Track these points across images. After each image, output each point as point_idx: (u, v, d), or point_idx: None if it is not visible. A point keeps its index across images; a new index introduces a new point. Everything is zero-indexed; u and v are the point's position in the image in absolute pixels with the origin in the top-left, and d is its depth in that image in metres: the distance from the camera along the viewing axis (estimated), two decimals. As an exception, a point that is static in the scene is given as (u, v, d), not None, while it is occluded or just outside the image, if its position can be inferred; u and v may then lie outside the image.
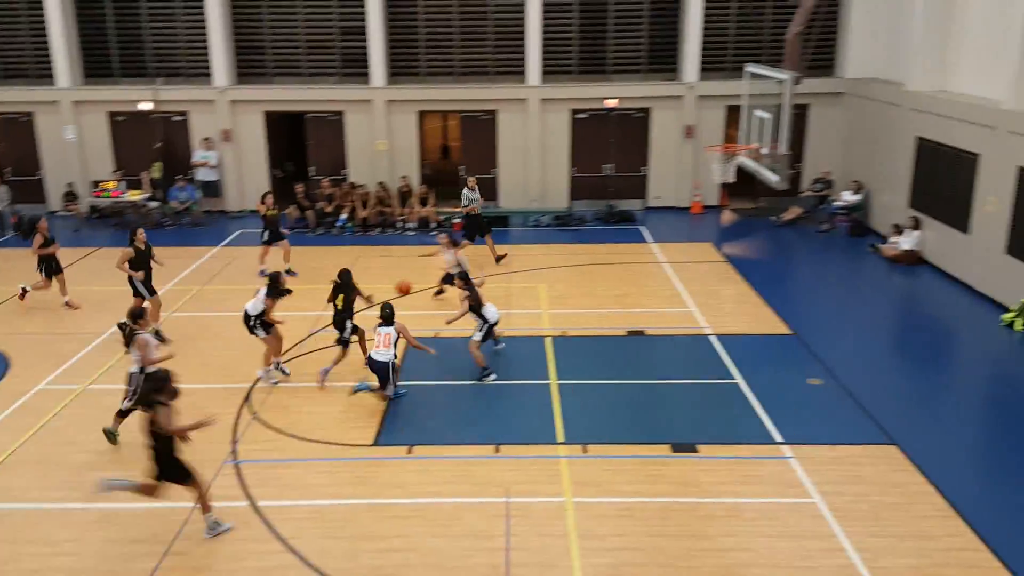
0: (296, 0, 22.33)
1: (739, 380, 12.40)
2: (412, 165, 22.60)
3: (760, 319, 14.92)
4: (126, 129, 22.74)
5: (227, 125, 22.35)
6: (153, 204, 21.73)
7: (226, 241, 20.25)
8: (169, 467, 8.69)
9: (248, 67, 22.87)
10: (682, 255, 18.70)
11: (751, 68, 17.44)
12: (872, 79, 21.28)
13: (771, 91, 15.89)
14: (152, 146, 22.46)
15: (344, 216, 20.98)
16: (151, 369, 10.31)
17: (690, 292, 16.18)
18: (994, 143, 15.40)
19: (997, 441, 11.02)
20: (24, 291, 15.67)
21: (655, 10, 22.43)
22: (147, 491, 8.76)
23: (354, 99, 22.28)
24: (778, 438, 10.74)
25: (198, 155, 22.28)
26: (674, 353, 13.67)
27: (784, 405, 11.61)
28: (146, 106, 22.20)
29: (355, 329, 12.71)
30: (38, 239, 15.44)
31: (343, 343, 12.57)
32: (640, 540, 8.75)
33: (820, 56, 22.02)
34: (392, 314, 11.65)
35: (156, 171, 22.22)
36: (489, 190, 22.75)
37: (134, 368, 10.66)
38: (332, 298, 12.62)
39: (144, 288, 14.19)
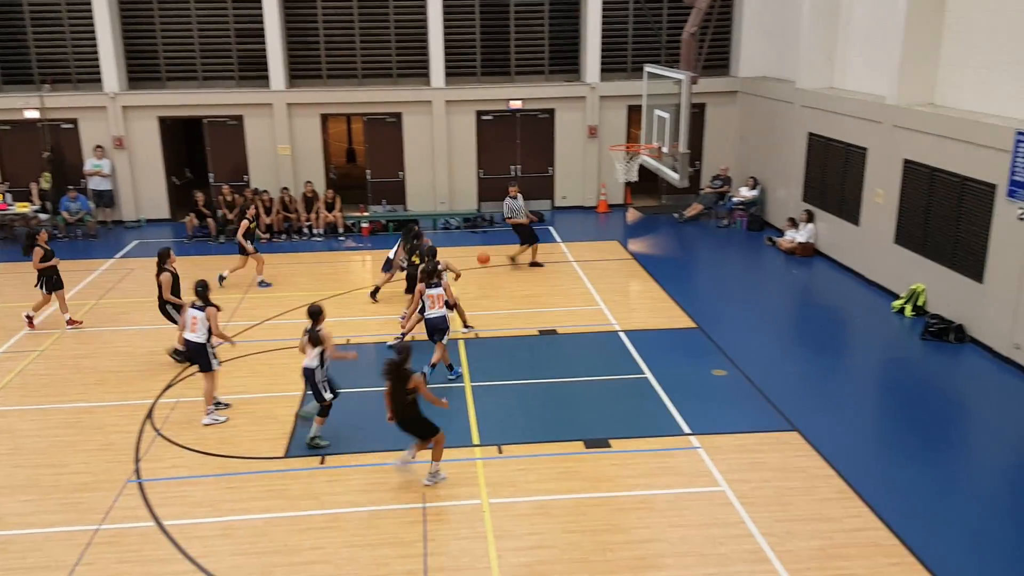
0: (189, 1, 21.72)
1: (648, 374, 12.66)
2: (317, 170, 22.26)
3: (666, 314, 15.26)
4: (11, 138, 21.71)
5: (120, 132, 21.57)
6: (43, 216, 20.82)
7: (122, 253, 19.55)
8: (422, 426, 9.57)
9: (140, 72, 22.11)
10: (590, 254, 18.97)
11: (649, 68, 17.79)
12: (764, 78, 22.00)
13: (670, 91, 16.24)
14: (40, 155, 21.50)
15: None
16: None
17: (599, 290, 16.42)
18: (881, 137, 16.11)
19: (892, 423, 11.53)
20: (29, 318, 14.73)
21: (555, 12, 22.67)
22: (437, 447, 9.67)
23: (253, 103, 21.81)
24: (686, 429, 11.01)
25: (90, 164, 21.43)
26: (585, 351, 13.85)
27: (691, 397, 11.91)
28: (32, 114, 21.25)
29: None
30: (38, 252, 14.48)
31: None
32: (556, 537, 8.84)
33: (715, 56, 22.64)
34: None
35: (45, 181, 21.30)
36: (397, 193, 22.65)
37: (312, 363, 10.49)
38: None
39: (176, 313, 13.10)
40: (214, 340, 11.38)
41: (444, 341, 12.42)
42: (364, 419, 11.57)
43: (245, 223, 16.61)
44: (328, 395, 10.69)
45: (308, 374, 10.63)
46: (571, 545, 8.70)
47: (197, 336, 11.26)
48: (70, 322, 14.77)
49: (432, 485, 9.76)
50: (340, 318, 14.96)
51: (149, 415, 11.58)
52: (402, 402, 9.50)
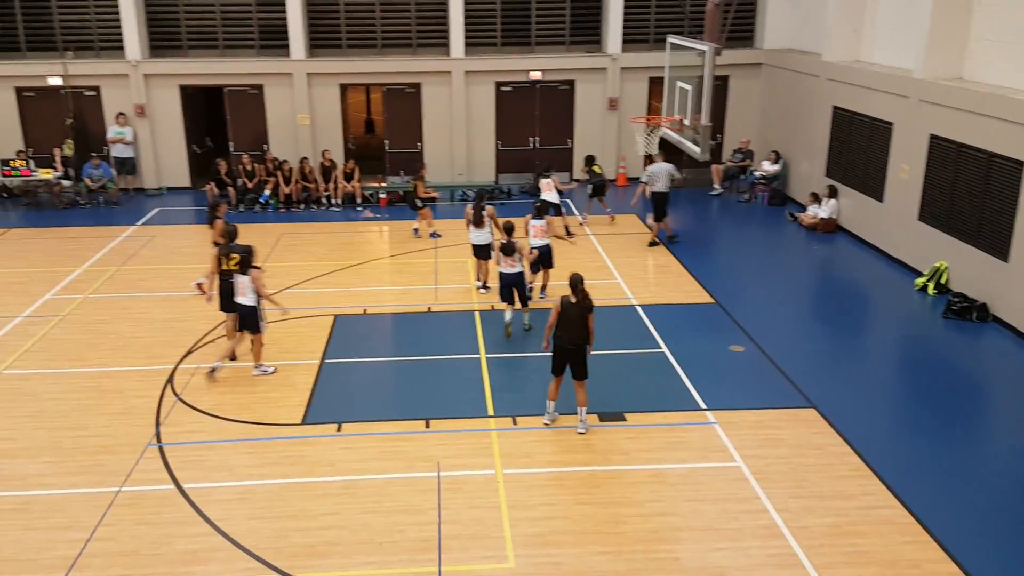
0: (211, -30, 21.67)
1: (664, 349, 12.63)
2: (336, 140, 22.24)
3: (683, 289, 15.19)
4: (35, 105, 21.80)
5: (141, 100, 21.62)
6: (66, 183, 20.96)
7: (143, 220, 19.68)
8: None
9: (162, 40, 22.11)
10: (608, 226, 18.88)
11: (672, 39, 17.58)
12: (789, 50, 21.70)
13: (692, 63, 16.05)
14: (63, 122, 21.61)
15: (267, 193, 20.57)
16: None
17: (616, 263, 16.37)
18: (907, 112, 15.88)
19: (911, 401, 11.46)
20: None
21: (578, -19, 22.43)
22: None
23: (274, 72, 21.76)
24: (702, 404, 10.99)
25: (112, 131, 21.52)
26: (601, 324, 13.65)
27: (708, 372, 11.88)
28: (55, 81, 21.33)
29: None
30: (219, 226, 13.31)
31: None
32: (569, 508, 8.88)
33: (739, 27, 22.33)
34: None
35: (68, 148, 21.41)
36: (415, 164, 22.53)
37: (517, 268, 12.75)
38: None
39: None
40: (264, 304, 11.72)
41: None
42: (381, 388, 11.66)
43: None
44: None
45: (517, 279, 12.91)
46: (584, 517, 8.74)
47: (247, 299, 11.54)
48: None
49: (584, 432, 10.27)
50: (357, 287, 15.02)
51: (169, 380, 11.70)
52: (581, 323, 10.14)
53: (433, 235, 18.11)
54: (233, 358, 12.16)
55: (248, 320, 11.68)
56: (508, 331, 13.02)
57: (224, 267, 11.97)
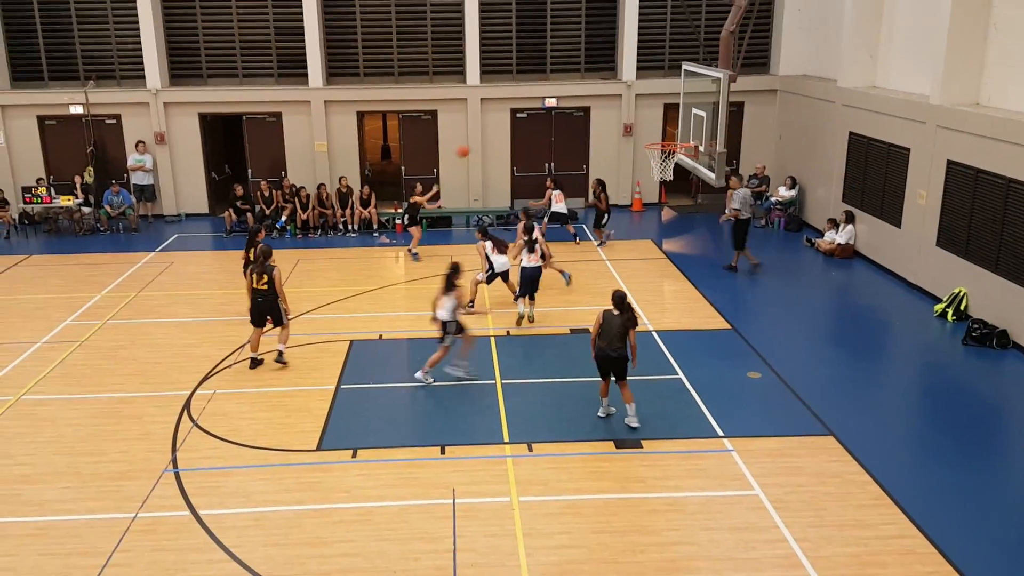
0: (230, 0, 21.98)
1: (681, 375, 12.57)
2: (353, 166, 22.41)
3: (700, 314, 15.13)
4: (57, 133, 22.12)
5: (161, 128, 21.89)
6: (86, 209, 21.20)
7: (162, 246, 19.85)
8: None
9: (182, 69, 22.43)
10: (623, 252, 18.88)
11: (687, 66, 17.67)
12: (804, 76, 21.74)
13: (707, 89, 16.11)
14: (84, 150, 21.90)
15: (283, 219, 20.72)
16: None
17: (632, 289, 16.31)
18: (924, 137, 15.84)
19: (930, 429, 11.34)
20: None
21: (592, 9, 22.59)
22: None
23: (292, 100, 22.02)
24: (720, 431, 10.91)
25: (132, 159, 21.79)
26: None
27: (725, 399, 11.80)
28: (77, 109, 21.64)
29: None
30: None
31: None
32: (585, 537, 8.81)
33: (754, 54, 22.43)
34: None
35: (88, 175, 21.68)
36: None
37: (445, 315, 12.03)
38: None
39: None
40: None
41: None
42: (397, 413, 11.64)
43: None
44: None
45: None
46: (601, 545, 8.66)
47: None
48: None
49: (637, 426, 10.87)
50: (373, 313, 15.06)
51: (186, 406, 11.75)
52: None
53: (415, 256, 18.30)
54: (258, 361, 12.89)
55: (271, 311, 12.76)
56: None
57: (255, 286, 12.62)
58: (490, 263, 15.06)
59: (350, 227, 20.90)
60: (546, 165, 22.97)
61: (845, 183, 19.02)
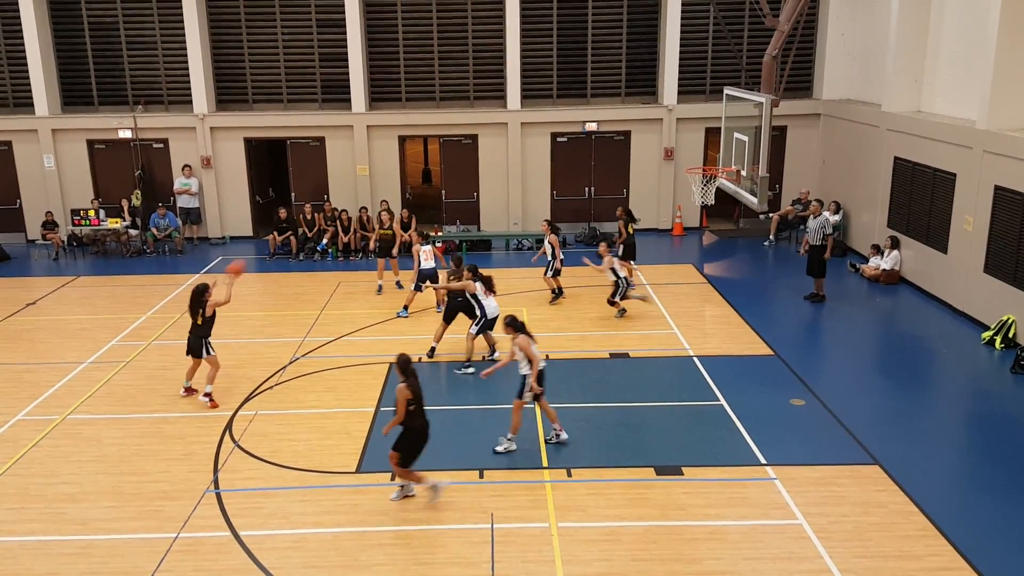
0: (276, 27, 22.41)
1: (723, 401, 12.42)
2: (394, 190, 22.62)
3: (742, 340, 14.97)
4: (106, 156, 22.66)
5: (208, 152, 22.31)
6: (133, 232, 21.64)
7: (207, 268, 20.16)
8: None
9: (228, 94, 22.89)
10: (664, 277, 18.78)
11: (729, 91, 17.60)
12: (848, 100, 21.55)
13: (749, 113, 16.03)
14: (132, 173, 22.38)
15: (325, 241, 20.94)
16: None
17: (672, 314, 16.23)
18: (970, 162, 15.59)
19: (978, 459, 11.07)
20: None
21: (633, 34, 22.65)
22: None
23: (335, 124, 22.32)
24: (762, 459, 10.75)
25: (179, 183, 22.21)
26: (658, 375, 13.68)
27: (768, 426, 11.63)
28: (125, 133, 22.15)
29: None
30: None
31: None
32: (625, 565, 8.70)
33: (797, 78, 22.30)
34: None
35: (136, 198, 22.14)
36: (471, 214, 22.85)
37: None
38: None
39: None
40: None
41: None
42: (435, 436, 11.60)
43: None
44: None
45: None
46: (640, 573, 8.55)
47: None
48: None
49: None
50: (412, 335, 15.10)
51: (228, 426, 11.86)
52: None
53: (399, 284, 18.22)
54: None
55: None
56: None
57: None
58: (481, 308, 13.60)
59: (393, 251, 20.97)
60: (586, 189, 22.99)
61: (890, 208, 18.77)
